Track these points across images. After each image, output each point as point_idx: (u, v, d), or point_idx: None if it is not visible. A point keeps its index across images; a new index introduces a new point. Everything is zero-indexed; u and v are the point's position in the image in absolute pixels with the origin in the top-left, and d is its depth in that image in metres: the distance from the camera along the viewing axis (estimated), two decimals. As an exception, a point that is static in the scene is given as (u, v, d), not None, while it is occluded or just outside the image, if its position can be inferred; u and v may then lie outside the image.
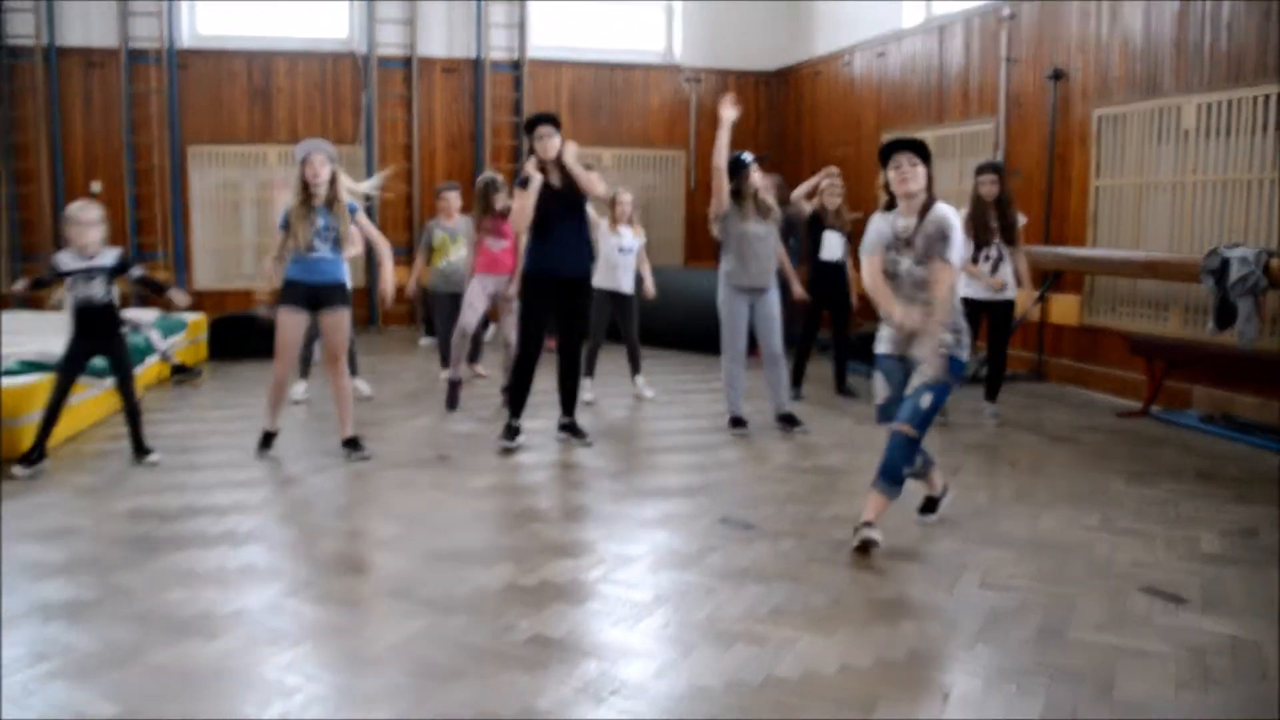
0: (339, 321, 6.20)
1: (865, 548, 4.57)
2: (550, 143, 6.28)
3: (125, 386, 6.10)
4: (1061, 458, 6.44)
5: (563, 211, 6.33)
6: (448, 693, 3.25)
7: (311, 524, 5.05)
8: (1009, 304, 7.29)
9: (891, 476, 4.67)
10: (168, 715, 3.08)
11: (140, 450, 6.10)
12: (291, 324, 6.15)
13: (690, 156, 13.54)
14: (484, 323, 8.23)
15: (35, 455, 5.82)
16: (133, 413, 6.12)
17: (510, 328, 7.82)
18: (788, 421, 7.07)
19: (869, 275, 4.85)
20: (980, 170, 7.26)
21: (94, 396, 6.92)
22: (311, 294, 6.12)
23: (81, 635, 3.62)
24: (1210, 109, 7.44)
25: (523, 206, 6.27)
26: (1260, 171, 7.13)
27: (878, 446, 6.54)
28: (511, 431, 6.50)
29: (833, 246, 8.18)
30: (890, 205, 4.81)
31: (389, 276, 6.35)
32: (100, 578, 4.18)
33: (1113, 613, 3.97)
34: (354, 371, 8.30)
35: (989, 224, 7.12)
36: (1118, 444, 6.83)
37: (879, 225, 4.83)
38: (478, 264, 7.81)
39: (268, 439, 6.31)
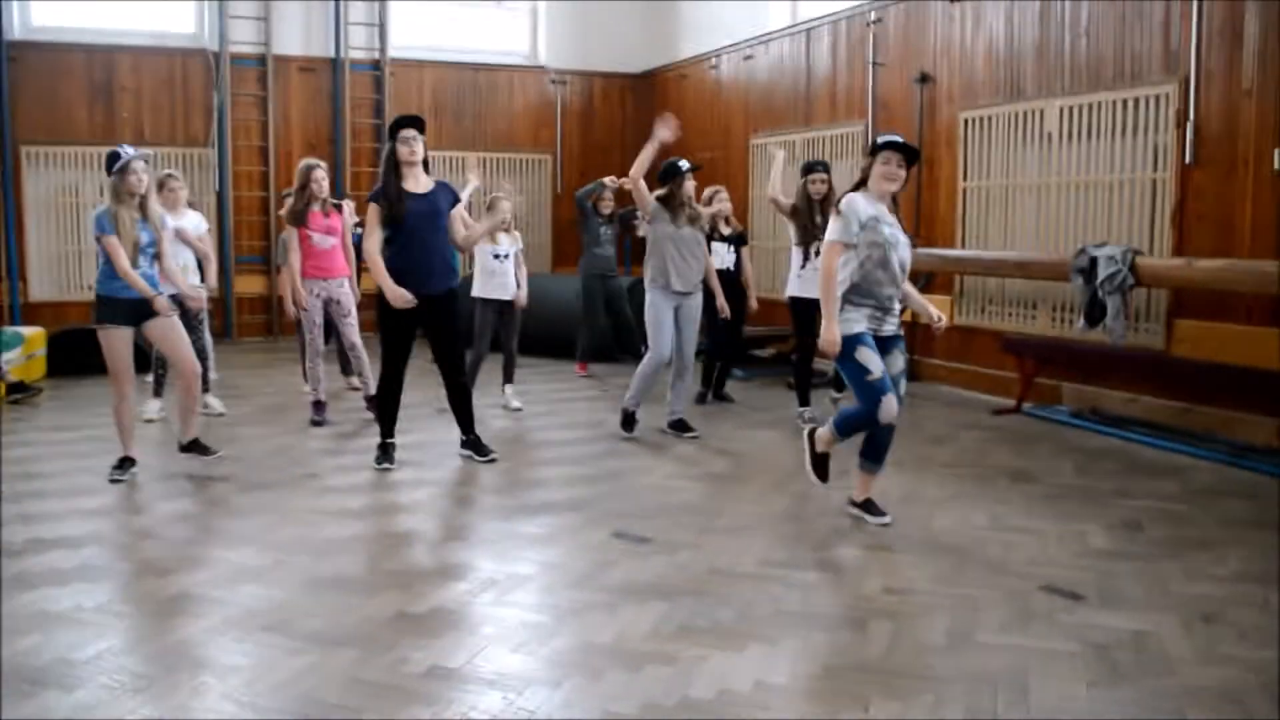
0: (168, 325, 5.87)
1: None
2: (414, 146, 5.93)
3: None
4: (943, 457, 6.50)
5: (421, 222, 5.94)
6: (342, 737, 2.99)
7: (176, 554, 4.66)
8: None
9: (882, 459, 5.06)
10: (22, 782, 2.74)
11: None
12: (122, 342, 5.78)
13: (557, 160, 13.34)
14: (332, 332, 7.71)
15: None
16: None
17: (351, 332, 7.45)
18: (681, 427, 6.98)
19: (828, 263, 4.80)
20: (810, 169, 7.27)
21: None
22: (133, 308, 5.74)
23: (-85, 693, 3.21)
24: (1072, 112, 7.65)
25: (371, 229, 5.94)
26: (1120, 173, 7.36)
27: (770, 450, 6.58)
28: (387, 451, 6.17)
29: (720, 256, 8.11)
30: (856, 187, 4.93)
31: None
32: (-64, 625, 3.76)
33: (1016, 613, 3.97)
34: (205, 387, 7.81)
35: (815, 222, 7.09)
36: (996, 442, 6.94)
37: (863, 205, 4.80)
38: (305, 267, 7.29)
39: (124, 464, 5.88)
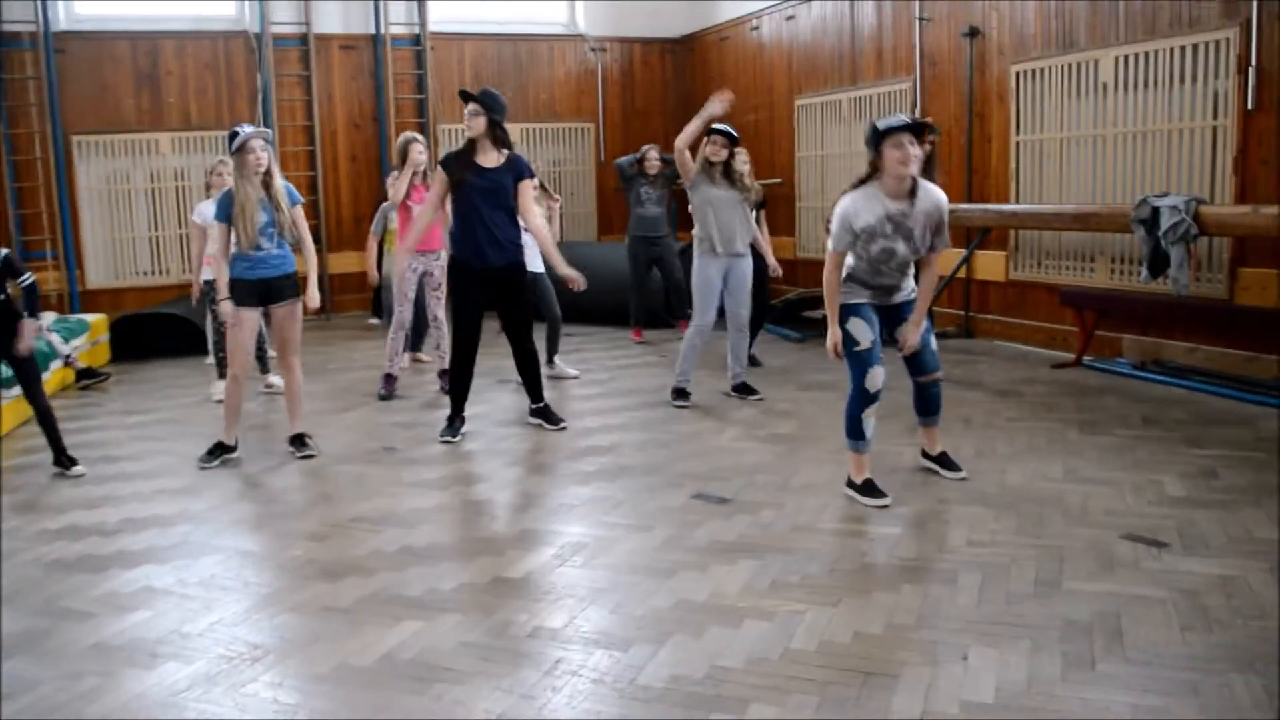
0: (291, 313, 5.92)
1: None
2: (469, 121, 6.00)
3: (32, 390, 5.70)
4: (1009, 412, 6.51)
5: (486, 197, 6.00)
6: (458, 696, 3.09)
7: (269, 528, 4.79)
8: None
9: (939, 409, 5.17)
10: (164, 746, 2.87)
11: (62, 459, 5.74)
12: (250, 325, 5.86)
13: (599, 128, 13.34)
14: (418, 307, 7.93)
15: None
16: (45, 417, 5.71)
17: (436, 305, 7.59)
18: (744, 390, 7.03)
19: (829, 273, 4.73)
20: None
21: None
22: (262, 289, 5.81)
23: (44, 669, 3.34)
24: (1128, 61, 7.57)
25: (434, 194, 6.13)
26: (1179, 121, 7.28)
27: (834, 411, 6.55)
28: (454, 424, 6.26)
29: None
30: (860, 183, 4.66)
31: (313, 287, 6.05)
32: (49, 604, 3.89)
33: (1100, 561, 4.01)
34: (265, 368, 7.96)
35: None
36: (1060, 395, 6.93)
37: (865, 208, 4.60)
38: (404, 239, 7.45)
39: (219, 450, 5.90)
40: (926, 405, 5.14)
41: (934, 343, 5.04)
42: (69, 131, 11.32)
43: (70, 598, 3.94)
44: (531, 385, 6.44)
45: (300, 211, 5.91)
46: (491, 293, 6.15)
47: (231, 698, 3.13)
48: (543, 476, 5.59)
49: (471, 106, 6.01)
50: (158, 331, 9.90)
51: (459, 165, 6.03)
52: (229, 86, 11.87)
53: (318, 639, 3.53)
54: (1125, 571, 3.91)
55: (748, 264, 6.93)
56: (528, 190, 6.18)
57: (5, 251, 5.55)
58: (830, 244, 4.74)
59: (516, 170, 6.10)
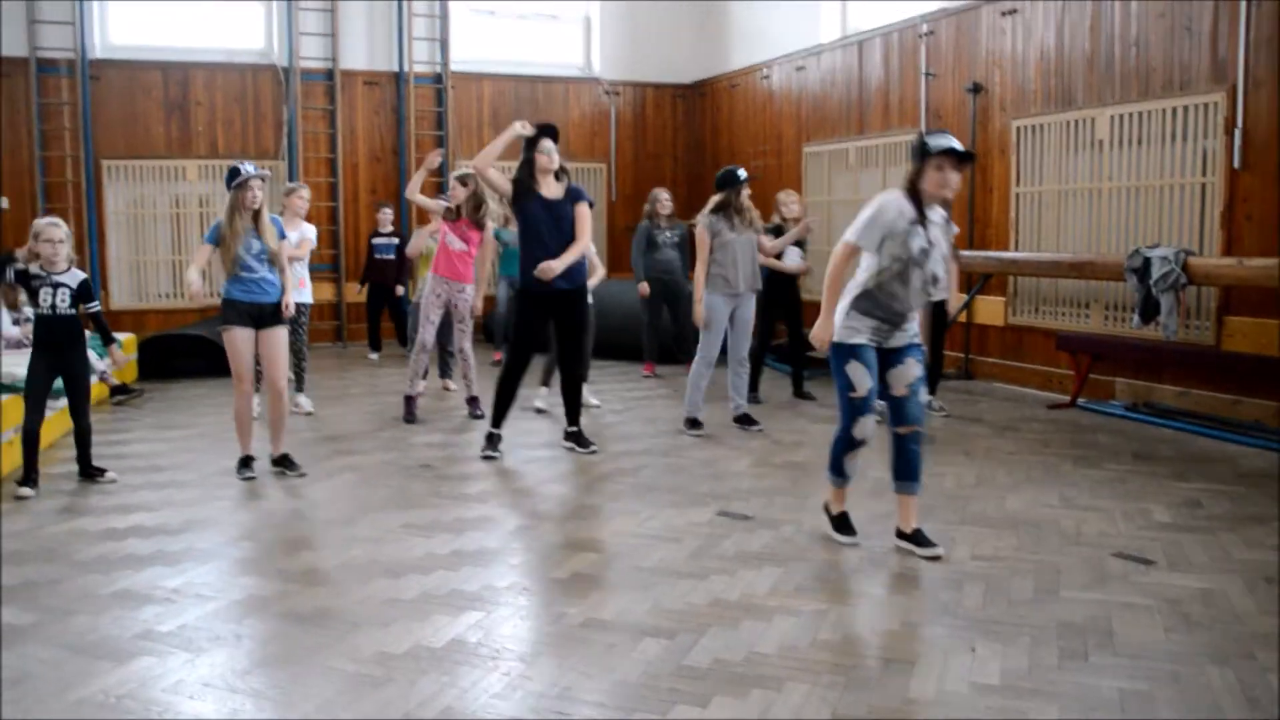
0: (278, 339, 6.19)
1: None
2: (555, 156, 6.40)
3: (81, 406, 6.01)
4: (1009, 446, 6.93)
5: (551, 226, 6.40)
6: (525, 673, 3.46)
7: (328, 533, 5.14)
8: (941, 304, 7.82)
9: (918, 475, 4.72)
10: None
11: (89, 471, 6.07)
12: (244, 343, 6.11)
13: (610, 168, 13.84)
14: (446, 333, 8.27)
15: (35, 477, 5.82)
16: (84, 434, 6.05)
17: (462, 337, 7.96)
18: (746, 421, 7.43)
19: (837, 262, 4.56)
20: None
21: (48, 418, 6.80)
22: (255, 313, 6.10)
23: (135, 646, 3.71)
24: (1122, 120, 8.08)
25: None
26: (1169, 177, 7.78)
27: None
28: (493, 441, 6.64)
29: (791, 257, 8.61)
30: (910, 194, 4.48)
31: (289, 294, 6.23)
32: (122, 594, 4.25)
33: (1094, 575, 4.41)
34: (300, 387, 8.30)
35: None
36: (1056, 432, 7.36)
37: (896, 212, 4.43)
38: (437, 263, 7.83)
39: (246, 462, 6.21)
40: (904, 467, 4.68)
41: (923, 394, 4.70)
42: (100, 156, 11.76)
43: (148, 588, 4.29)
44: (572, 408, 6.82)
45: (285, 245, 6.28)
46: (553, 316, 6.58)
47: (313, 669, 3.49)
48: (574, 493, 5.97)
49: (551, 144, 6.40)
50: (183, 352, 10.28)
51: (522, 192, 6.39)
52: (255, 118, 12.34)
53: (390, 623, 3.89)
54: (1116, 584, 4.31)
55: (753, 302, 7.38)
56: (583, 213, 6.50)
57: (84, 276, 5.97)
58: (848, 234, 4.52)
59: (574, 197, 6.50)
